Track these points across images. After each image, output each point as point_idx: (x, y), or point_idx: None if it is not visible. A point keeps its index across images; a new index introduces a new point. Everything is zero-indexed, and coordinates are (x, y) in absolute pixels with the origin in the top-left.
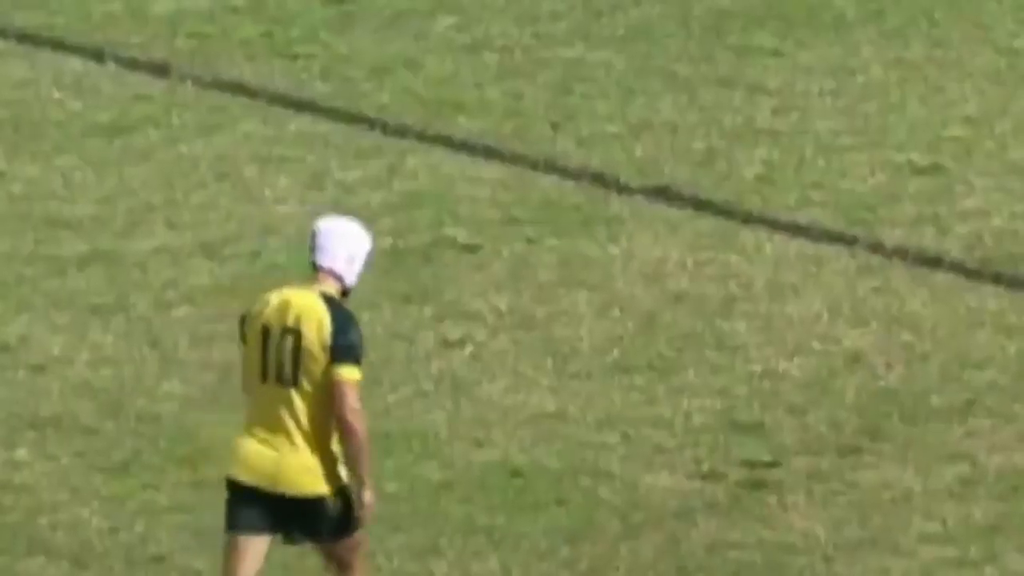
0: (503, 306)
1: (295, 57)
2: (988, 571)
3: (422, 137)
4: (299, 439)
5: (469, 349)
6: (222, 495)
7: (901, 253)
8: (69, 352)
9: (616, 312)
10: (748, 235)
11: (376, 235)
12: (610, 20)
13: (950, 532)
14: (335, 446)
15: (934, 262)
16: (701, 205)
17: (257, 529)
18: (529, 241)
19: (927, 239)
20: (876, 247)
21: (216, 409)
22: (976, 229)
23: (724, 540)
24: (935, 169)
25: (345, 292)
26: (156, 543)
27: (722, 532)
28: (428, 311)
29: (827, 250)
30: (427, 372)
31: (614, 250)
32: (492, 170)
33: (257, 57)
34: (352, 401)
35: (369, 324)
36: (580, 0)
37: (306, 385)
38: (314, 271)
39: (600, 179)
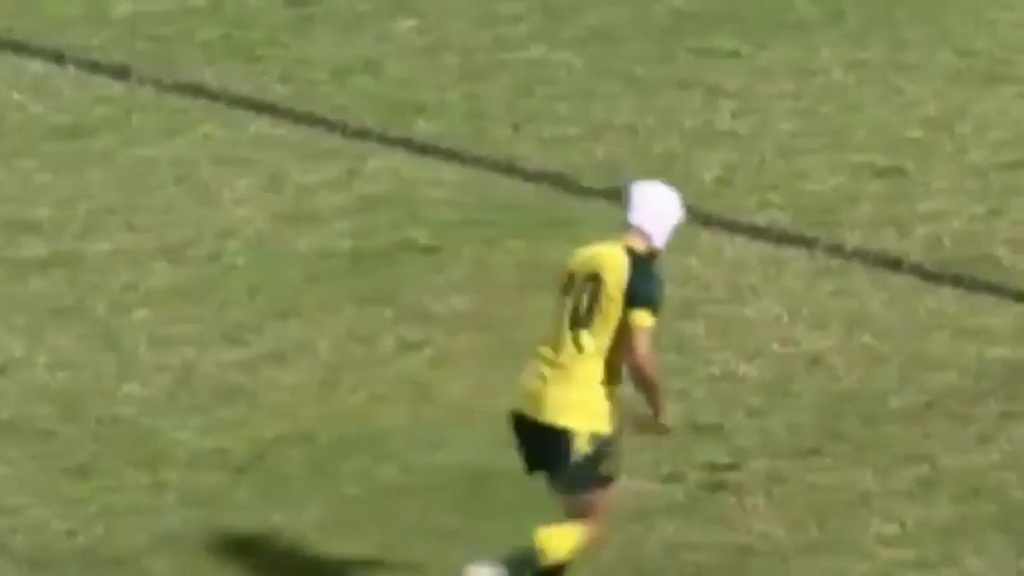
0: (463, 308)
1: (255, 59)
2: (946, 573)
3: (382, 139)
4: (575, 376)
5: (429, 351)
6: (182, 497)
7: (861, 255)
8: (28, 355)
9: None
10: (707, 237)
11: (335, 237)
12: (570, 22)
13: (909, 534)
14: (611, 392)
15: (894, 264)
16: None
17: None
18: (489, 243)
19: (887, 241)
20: (836, 249)
21: (175, 412)
22: (936, 231)
23: (683, 542)
24: (895, 171)
25: (653, 253)
26: (115, 546)
27: (681, 534)
28: (388, 313)
29: (787, 252)
30: (386, 374)
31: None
32: (452, 172)
33: (217, 59)
34: (642, 347)
35: (329, 327)
36: (540, 2)
37: (598, 327)
38: (626, 229)
39: (560, 181)
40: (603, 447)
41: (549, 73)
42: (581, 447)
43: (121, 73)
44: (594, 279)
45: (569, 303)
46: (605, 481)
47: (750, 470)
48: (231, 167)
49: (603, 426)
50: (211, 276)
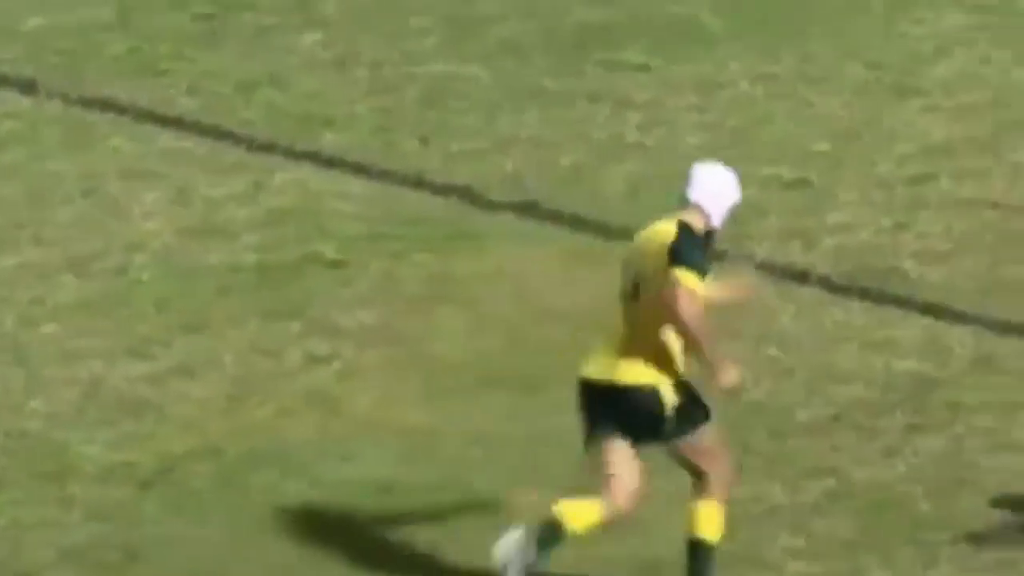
0: (370, 322)
1: (162, 73)
2: None
3: (289, 153)
4: (638, 345)
5: (336, 365)
6: (89, 512)
7: (768, 267)
8: None
9: (484, 328)
10: (616, 250)
11: (242, 251)
12: (478, 36)
13: (816, 547)
14: (674, 352)
15: (801, 276)
16: (569, 221)
17: (609, 430)
18: (396, 256)
19: (794, 254)
20: (743, 261)
21: (83, 426)
22: (843, 243)
23: (594, 555)
24: (802, 183)
25: (709, 232)
26: (23, 560)
27: (592, 546)
28: (295, 327)
29: None
30: (294, 388)
31: (482, 266)
32: (359, 185)
33: (124, 73)
34: (684, 304)
35: (236, 341)
36: (448, 16)
37: (647, 295)
38: (684, 206)
39: (468, 194)
40: (688, 393)
41: (457, 87)
42: (669, 399)
43: (28, 87)
44: (643, 253)
45: (625, 279)
46: (704, 417)
47: (659, 483)
48: (139, 181)
49: (681, 375)
50: (118, 290)
